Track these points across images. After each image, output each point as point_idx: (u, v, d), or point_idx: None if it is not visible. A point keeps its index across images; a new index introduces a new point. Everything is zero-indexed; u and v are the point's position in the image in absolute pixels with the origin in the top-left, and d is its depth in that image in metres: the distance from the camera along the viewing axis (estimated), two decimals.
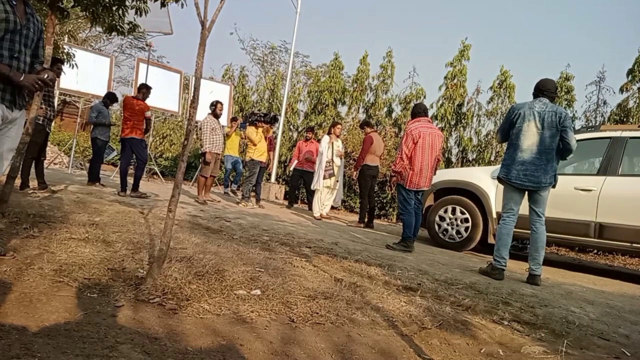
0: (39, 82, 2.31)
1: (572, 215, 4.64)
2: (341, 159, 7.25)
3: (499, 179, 3.78)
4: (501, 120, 3.92)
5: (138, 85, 6.68)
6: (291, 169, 8.42)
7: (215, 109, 6.89)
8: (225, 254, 2.92)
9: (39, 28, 2.45)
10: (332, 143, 7.09)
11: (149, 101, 10.96)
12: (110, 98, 7.24)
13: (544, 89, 3.67)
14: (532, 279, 3.57)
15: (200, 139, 6.98)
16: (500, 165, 3.83)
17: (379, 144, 7.07)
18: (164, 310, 1.95)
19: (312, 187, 7.23)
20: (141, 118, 6.01)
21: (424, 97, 11.25)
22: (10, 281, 2.01)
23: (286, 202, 8.81)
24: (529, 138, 3.58)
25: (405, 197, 4.65)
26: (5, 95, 2.29)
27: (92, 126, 6.87)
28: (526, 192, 3.68)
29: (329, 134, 7.31)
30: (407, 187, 4.61)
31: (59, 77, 7.02)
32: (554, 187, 3.69)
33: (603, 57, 30.48)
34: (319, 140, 7.79)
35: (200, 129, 7.04)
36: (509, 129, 3.69)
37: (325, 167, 7.02)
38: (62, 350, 1.50)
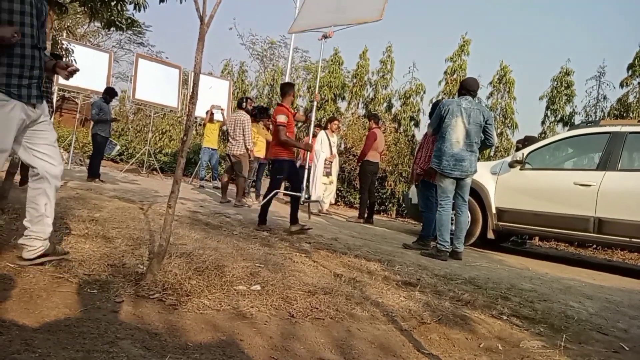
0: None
1: (571, 210, 4.65)
2: (335, 158, 7.22)
3: (431, 169, 4.17)
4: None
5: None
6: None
7: (246, 105, 6.48)
8: (225, 250, 2.93)
9: (42, 11, 2.08)
10: (328, 138, 7.10)
11: (147, 97, 10.67)
12: (109, 93, 7.23)
13: (469, 88, 4.09)
14: (456, 255, 4.03)
15: (233, 138, 6.25)
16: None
17: (381, 140, 7.09)
18: (164, 306, 1.95)
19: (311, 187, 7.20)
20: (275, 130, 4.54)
21: (424, 92, 11.22)
22: (11, 277, 2.02)
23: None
24: (457, 132, 3.98)
25: (427, 195, 4.63)
26: (30, 92, 1.89)
27: (92, 122, 6.85)
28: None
29: (324, 129, 7.30)
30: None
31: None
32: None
33: (603, 52, 30.40)
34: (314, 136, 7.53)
35: (239, 125, 6.20)
36: (439, 124, 4.07)
37: (324, 165, 7.02)
38: (62, 345, 1.51)
